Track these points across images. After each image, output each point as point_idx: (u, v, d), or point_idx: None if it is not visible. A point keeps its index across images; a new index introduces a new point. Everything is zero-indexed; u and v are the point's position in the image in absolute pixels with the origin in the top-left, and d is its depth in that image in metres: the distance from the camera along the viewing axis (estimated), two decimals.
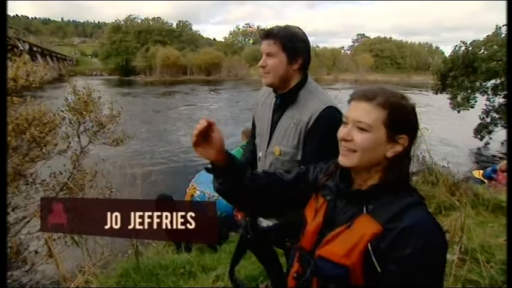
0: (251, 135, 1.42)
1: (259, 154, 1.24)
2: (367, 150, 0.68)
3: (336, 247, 0.68)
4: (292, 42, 1.11)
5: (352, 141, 0.69)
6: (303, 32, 1.16)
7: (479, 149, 10.20)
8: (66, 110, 2.58)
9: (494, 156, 8.96)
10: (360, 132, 0.68)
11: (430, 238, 0.63)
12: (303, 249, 0.77)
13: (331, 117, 1.05)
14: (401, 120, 0.68)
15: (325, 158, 0.77)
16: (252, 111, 1.40)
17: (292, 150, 1.13)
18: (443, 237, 0.68)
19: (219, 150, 0.79)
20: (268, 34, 1.12)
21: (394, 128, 0.68)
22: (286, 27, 1.16)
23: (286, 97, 1.16)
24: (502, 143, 9.74)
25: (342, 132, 0.72)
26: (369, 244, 0.64)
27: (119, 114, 2.81)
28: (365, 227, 0.65)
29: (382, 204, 0.67)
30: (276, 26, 1.15)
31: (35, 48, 30.05)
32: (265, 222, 1.14)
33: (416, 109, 0.73)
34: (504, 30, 9.15)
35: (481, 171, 5.91)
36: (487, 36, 9.43)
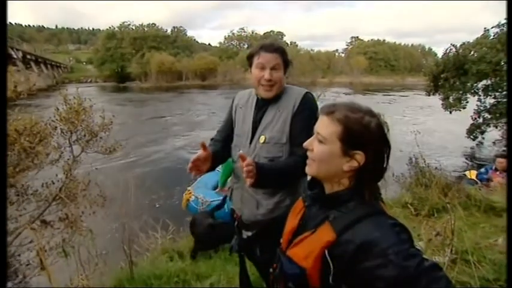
0: (219, 134, 1.44)
1: (240, 151, 1.26)
2: (323, 161, 0.71)
3: (299, 250, 0.72)
4: (286, 56, 1.25)
5: (312, 151, 0.73)
6: None
7: (472, 148, 10.29)
8: (57, 119, 2.55)
9: (487, 156, 9.05)
10: (319, 143, 0.71)
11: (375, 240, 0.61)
12: (280, 248, 0.82)
13: (312, 99, 1.26)
14: (357, 137, 0.68)
15: (309, 134, 0.77)
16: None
17: (278, 134, 1.23)
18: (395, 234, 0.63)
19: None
20: (276, 48, 1.23)
21: (349, 143, 0.68)
22: (279, 42, 1.34)
23: (272, 98, 1.26)
24: (494, 143, 9.87)
25: (307, 141, 0.75)
26: (326, 251, 0.66)
27: (111, 122, 2.79)
28: (323, 235, 0.68)
29: (343, 213, 0.69)
30: (275, 41, 1.31)
31: (28, 56, 29.89)
32: (245, 234, 1.34)
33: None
34: (492, 32, 9.36)
35: (475, 172, 5.96)
36: (477, 38, 9.60)
